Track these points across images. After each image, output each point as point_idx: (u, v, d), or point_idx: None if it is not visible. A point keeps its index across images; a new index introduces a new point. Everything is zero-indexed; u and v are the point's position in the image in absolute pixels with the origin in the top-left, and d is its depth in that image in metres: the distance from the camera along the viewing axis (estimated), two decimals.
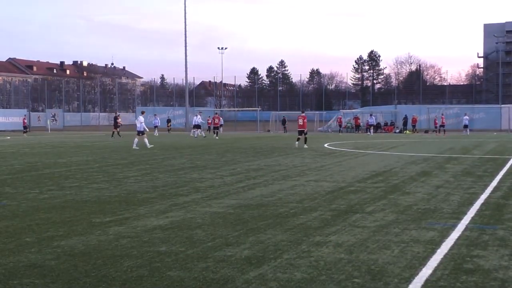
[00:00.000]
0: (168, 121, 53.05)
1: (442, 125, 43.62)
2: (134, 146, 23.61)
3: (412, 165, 15.01)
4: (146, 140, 24.01)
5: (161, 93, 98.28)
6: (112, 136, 36.49)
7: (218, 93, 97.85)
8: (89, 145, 26.92)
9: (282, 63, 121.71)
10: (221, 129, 38.68)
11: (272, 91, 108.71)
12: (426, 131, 45.70)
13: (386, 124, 52.16)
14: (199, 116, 38.02)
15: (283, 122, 52.95)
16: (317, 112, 62.89)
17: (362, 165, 15.26)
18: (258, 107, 62.25)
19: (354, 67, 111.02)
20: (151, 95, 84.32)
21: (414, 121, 48.32)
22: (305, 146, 24.39)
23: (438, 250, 5.53)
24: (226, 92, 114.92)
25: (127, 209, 8.11)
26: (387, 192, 9.72)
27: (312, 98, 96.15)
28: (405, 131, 48.29)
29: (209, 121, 41.77)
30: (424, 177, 12.15)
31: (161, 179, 11.98)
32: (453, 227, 6.70)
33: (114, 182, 11.50)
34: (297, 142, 25.13)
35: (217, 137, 35.40)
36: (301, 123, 26.04)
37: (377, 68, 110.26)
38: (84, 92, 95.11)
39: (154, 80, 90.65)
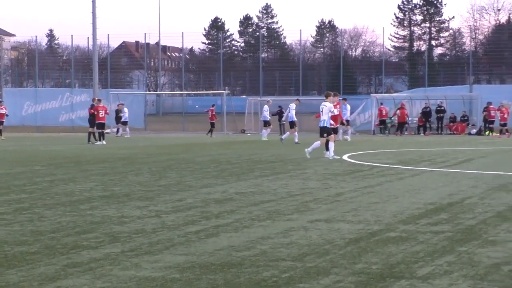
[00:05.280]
0: (116, 113, 52.19)
1: (504, 123, 45.56)
2: (296, 141, 35.92)
3: (499, 193, 15.15)
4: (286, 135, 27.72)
5: (49, 63, 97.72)
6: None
7: (152, 64, 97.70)
8: None
9: (267, 10, 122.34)
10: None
11: (249, 60, 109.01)
12: None
13: (453, 120, 52.59)
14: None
15: (278, 115, 52.30)
16: None
17: (411, 192, 15.38)
18: (224, 89, 62.46)
19: (397, 17, 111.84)
20: (31, 67, 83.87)
21: (504, 115, 48.57)
22: (330, 155, 25.26)
23: None
24: (167, 62, 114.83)
25: None
26: (455, 241, 9.78)
27: (322, 72, 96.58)
28: (487, 132, 48.77)
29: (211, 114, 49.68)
30: None
31: (49, 219, 11.91)
32: None
33: None
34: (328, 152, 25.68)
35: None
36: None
37: (437, 18, 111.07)
38: None
39: (36, 40, 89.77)
